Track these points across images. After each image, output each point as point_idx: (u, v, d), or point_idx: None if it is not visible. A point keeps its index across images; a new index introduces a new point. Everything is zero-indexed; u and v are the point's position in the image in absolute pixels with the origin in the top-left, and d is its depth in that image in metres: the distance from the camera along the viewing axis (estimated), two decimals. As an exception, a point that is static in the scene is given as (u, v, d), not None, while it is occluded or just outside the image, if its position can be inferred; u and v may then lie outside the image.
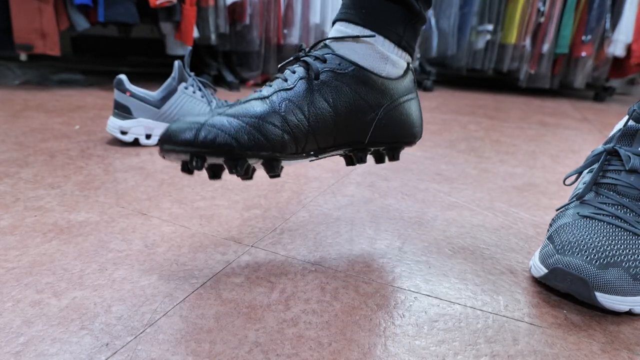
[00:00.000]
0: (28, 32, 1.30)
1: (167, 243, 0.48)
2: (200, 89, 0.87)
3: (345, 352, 0.33)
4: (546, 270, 0.41)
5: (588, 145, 1.10)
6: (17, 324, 0.34)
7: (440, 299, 0.41)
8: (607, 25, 1.86)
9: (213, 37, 1.58)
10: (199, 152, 0.38)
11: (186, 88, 0.84)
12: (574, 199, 0.47)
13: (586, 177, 0.49)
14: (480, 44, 1.98)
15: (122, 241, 0.47)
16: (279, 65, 0.47)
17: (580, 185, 0.49)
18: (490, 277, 0.45)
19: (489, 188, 0.72)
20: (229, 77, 1.67)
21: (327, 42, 0.46)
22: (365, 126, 0.46)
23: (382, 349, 0.33)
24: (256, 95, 0.43)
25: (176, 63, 0.83)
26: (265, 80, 1.84)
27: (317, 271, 0.44)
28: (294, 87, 0.43)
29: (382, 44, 0.46)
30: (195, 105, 0.85)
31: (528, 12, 1.88)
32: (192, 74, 0.86)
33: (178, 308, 0.37)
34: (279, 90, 0.43)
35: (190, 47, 0.89)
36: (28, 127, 0.92)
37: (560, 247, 0.41)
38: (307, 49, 0.46)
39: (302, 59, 0.45)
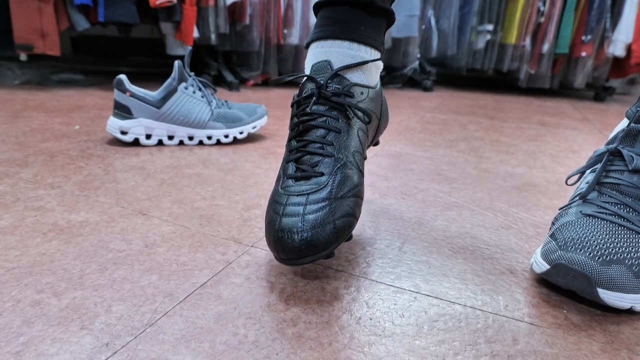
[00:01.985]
0: (28, 32, 1.30)
1: (167, 243, 0.48)
2: (200, 89, 0.87)
3: (345, 352, 0.33)
4: (548, 266, 0.41)
5: (588, 145, 1.10)
6: (17, 324, 0.34)
7: (440, 299, 0.41)
8: (607, 25, 1.86)
9: (213, 37, 1.58)
10: (334, 248, 0.40)
11: (186, 88, 0.84)
12: (577, 198, 0.47)
13: (589, 177, 0.49)
14: (480, 44, 1.98)
15: (122, 241, 0.47)
16: (297, 100, 0.46)
17: (582, 184, 0.49)
18: (490, 277, 0.45)
19: (489, 188, 0.72)
20: (229, 77, 1.67)
21: (340, 72, 0.45)
22: (375, 134, 0.53)
23: (382, 349, 0.33)
24: (338, 164, 0.43)
25: (176, 63, 0.83)
26: (265, 80, 1.84)
27: (317, 271, 0.44)
28: (349, 136, 0.45)
29: (379, 61, 0.49)
30: (195, 105, 0.85)
31: (528, 12, 1.88)
32: (192, 74, 0.86)
33: (178, 308, 0.37)
34: (343, 149, 0.44)
35: (190, 47, 0.89)
36: (28, 127, 0.92)
37: (563, 243, 0.41)
38: (323, 83, 0.44)
39: (333, 99, 0.44)
